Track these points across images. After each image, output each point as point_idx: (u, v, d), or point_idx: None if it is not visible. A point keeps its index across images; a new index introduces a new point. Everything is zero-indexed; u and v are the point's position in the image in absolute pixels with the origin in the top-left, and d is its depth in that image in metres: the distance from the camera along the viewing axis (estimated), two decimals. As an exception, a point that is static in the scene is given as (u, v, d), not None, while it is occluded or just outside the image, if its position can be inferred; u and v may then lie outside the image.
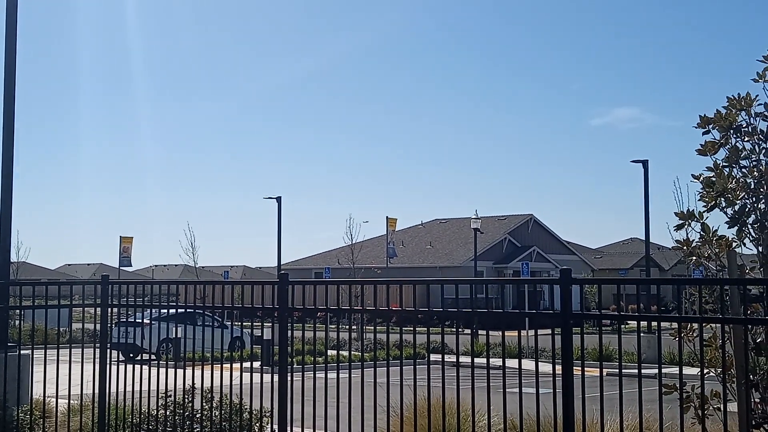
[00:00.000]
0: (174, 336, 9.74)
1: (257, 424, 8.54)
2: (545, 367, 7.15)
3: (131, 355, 10.10)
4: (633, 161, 33.12)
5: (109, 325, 9.58)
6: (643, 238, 33.56)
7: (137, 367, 8.95)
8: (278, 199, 45.06)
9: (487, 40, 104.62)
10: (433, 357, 9.51)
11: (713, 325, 6.46)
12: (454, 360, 7.02)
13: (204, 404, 8.60)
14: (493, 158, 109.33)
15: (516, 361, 6.65)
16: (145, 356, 10.76)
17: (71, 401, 9.55)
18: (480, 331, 24.25)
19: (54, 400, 10.27)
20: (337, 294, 7.55)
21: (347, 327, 8.08)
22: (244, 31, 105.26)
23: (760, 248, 6.77)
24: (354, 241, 40.73)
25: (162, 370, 8.85)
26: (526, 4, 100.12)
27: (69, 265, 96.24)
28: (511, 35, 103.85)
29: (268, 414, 8.27)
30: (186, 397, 8.71)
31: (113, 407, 9.22)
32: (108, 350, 9.33)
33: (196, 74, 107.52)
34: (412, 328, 8.22)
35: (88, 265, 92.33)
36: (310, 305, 7.91)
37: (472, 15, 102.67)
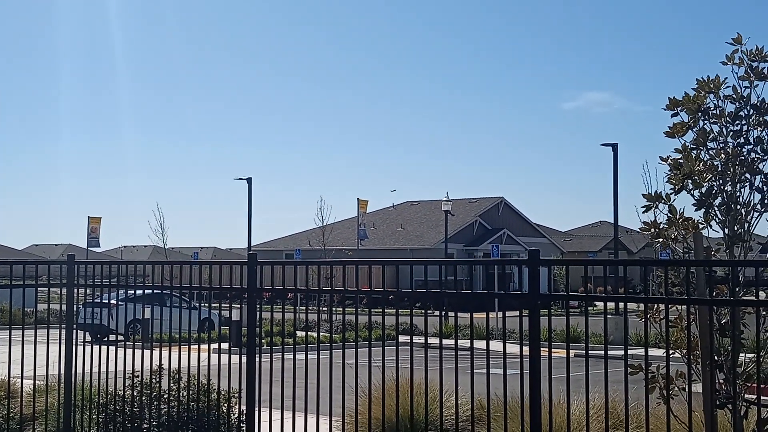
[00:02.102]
0: (142, 317, 9.65)
1: (225, 405, 8.52)
2: (514, 349, 7.19)
3: (98, 336, 10.02)
4: (603, 145, 33.34)
5: (75, 305, 9.49)
6: (612, 221, 33.84)
7: (104, 347, 8.87)
8: (249, 180, 44.85)
9: (460, 24, 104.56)
10: (404, 338, 9.54)
11: (679, 306, 6.52)
12: (424, 341, 7.03)
13: (172, 385, 8.55)
14: (465, 141, 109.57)
15: (485, 342, 6.67)
16: (114, 337, 10.69)
17: (37, 382, 9.46)
18: (450, 313, 24.36)
19: (19, 380, 10.17)
20: (306, 275, 7.53)
21: (322, 308, 8.06)
22: (219, 19, 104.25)
23: (726, 230, 6.83)
24: (325, 223, 40.64)
25: (129, 351, 8.79)
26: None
27: (36, 245, 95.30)
28: (483, 19, 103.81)
29: (236, 395, 8.25)
30: (153, 377, 8.66)
31: (80, 388, 9.15)
32: (74, 330, 9.24)
33: (169, 60, 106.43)
34: (381, 310, 8.22)
35: (56, 245, 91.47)
36: (279, 286, 7.88)
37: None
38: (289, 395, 7.42)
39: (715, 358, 6.29)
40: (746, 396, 6.46)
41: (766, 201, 6.88)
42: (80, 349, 9.08)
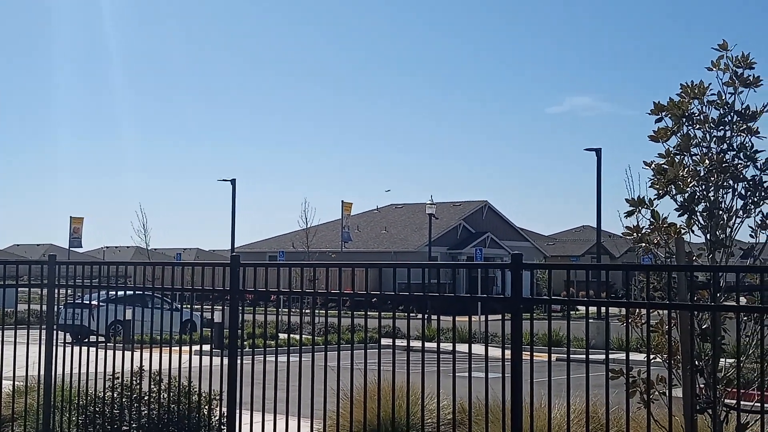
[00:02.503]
0: (123, 318, 9.59)
1: (206, 407, 8.47)
2: (496, 352, 7.19)
3: (79, 336, 9.95)
4: (587, 149, 33.49)
5: (56, 306, 9.43)
6: (596, 226, 33.97)
7: (85, 348, 8.82)
8: (233, 182, 44.77)
9: (445, 26, 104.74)
10: (387, 341, 9.52)
11: (660, 311, 6.54)
12: (406, 344, 7.02)
13: (152, 386, 8.50)
14: (450, 144, 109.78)
15: (467, 345, 6.67)
16: (95, 338, 10.63)
17: (16, 383, 9.39)
18: (433, 316, 24.37)
19: (-2, 381, 10.10)
20: (289, 277, 7.50)
21: (305, 310, 8.03)
22: (199, 15, 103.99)
23: (708, 236, 6.86)
24: (309, 225, 40.58)
25: (110, 352, 8.74)
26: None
27: (18, 245, 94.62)
28: (469, 22, 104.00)
29: (217, 397, 8.21)
30: (134, 379, 8.61)
31: (59, 389, 9.08)
32: (54, 331, 9.18)
33: (153, 61, 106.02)
34: (364, 313, 8.21)
35: (38, 245, 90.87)
36: (262, 288, 7.84)
37: (429, 0, 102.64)
38: (270, 397, 7.39)
39: (696, 363, 6.32)
40: (726, 401, 6.49)
41: (748, 207, 6.92)
42: (60, 350, 9.01)
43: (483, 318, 6.71)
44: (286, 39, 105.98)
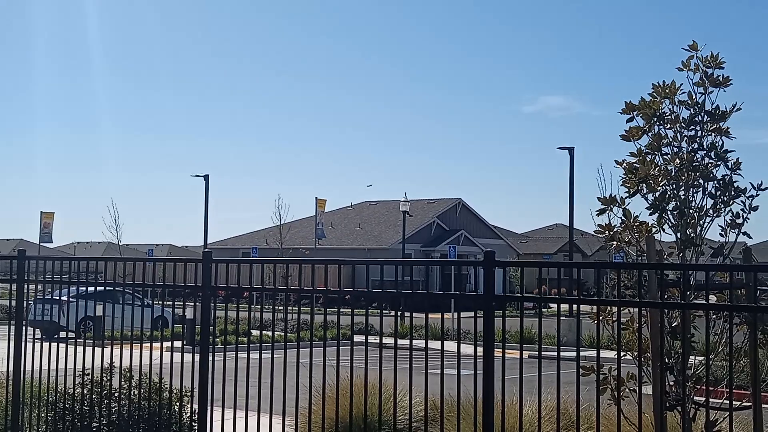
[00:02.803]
0: (94, 314, 9.51)
1: (177, 404, 8.43)
2: (468, 349, 7.21)
3: (50, 333, 9.86)
4: (560, 148, 33.70)
5: (26, 301, 9.33)
6: (568, 224, 34.18)
7: (55, 344, 8.74)
8: (206, 177, 44.55)
9: (421, 25, 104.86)
10: (359, 338, 9.52)
11: (631, 308, 6.58)
12: (379, 342, 7.02)
13: (123, 383, 8.44)
14: (424, 142, 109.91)
15: (440, 342, 6.68)
16: (66, 334, 10.53)
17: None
18: (406, 313, 24.38)
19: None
20: (261, 273, 7.47)
21: (278, 307, 8.00)
22: (177, 10, 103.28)
23: (679, 234, 6.92)
24: (282, 222, 40.53)
25: (80, 348, 8.66)
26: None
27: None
28: (443, 21, 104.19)
29: (188, 394, 8.16)
30: (104, 375, 8.54)
31: (29, 385, 8.99)
32: (24, 327, 9.08)
33: (124, 55, 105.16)
34: (337, 309, 8.19)
35: (8, 240, 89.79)
36: (234, 285, 7.81)
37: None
38: (242, 394, 7.37)
39: (666, 360, 6.37)
40: (695, 398, 6.55)
41: (718, 206, 6.98)
42: (30, 346, 8.92)
43: (456, 315, 6.73)
44: (261, 34, 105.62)
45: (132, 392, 8.36)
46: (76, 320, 13.42)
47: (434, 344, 8.83)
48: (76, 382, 8.59)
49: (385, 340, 7.33)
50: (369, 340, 6.82)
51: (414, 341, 6.69)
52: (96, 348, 8.51)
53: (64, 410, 8.63)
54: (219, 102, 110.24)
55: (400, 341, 7.80)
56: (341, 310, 7.13)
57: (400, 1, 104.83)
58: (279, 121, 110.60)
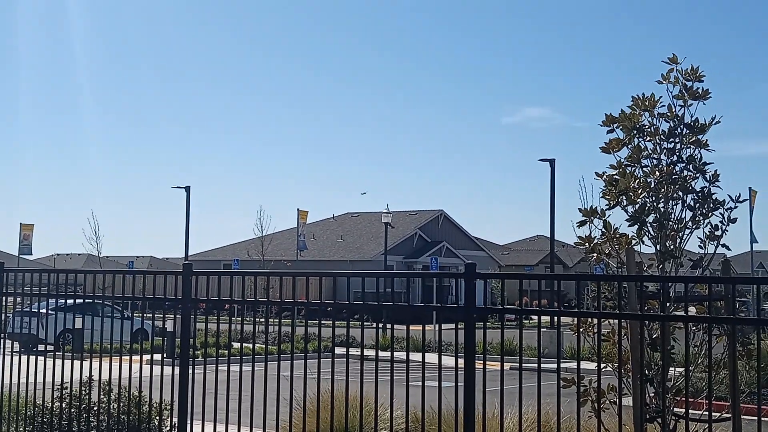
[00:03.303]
0: (73, 326, 9.44)
1: (157, 417, 8.37)
2: (450, 361, 7.21)
3: (29, 346, 9.77)
4: (541, 160, 33.81)
5: (4, 314, 9.25)
6: (549, 236, 34.30)
7: (33, 358, 8.66)
8: (187, 189, 44.38)
9: (400, 35, 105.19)
10: (341, 350, 9.50)
11: (611, 320, 6.60)
12: (360, 354, 7.01)
13: (102, 396, 8.38)
14: (406, 154, 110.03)
15: (421, 354, 6.68)
16: (45, 347, 10.44)
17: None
18: (388, 325, 24.37)
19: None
20: (242, 285, 7.44)
21: (260, 320, 7.97)
22: (159, 18, 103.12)
23: (658, 246, 6.95)
24: (264, 233, 40.41)
25: (60, 362, 8.59)
26: (439, 1, 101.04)
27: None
28: (425, 32, 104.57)
29: (169, 407, 8.11)
30: (83, 389, 8.47)
31: (7, 399, 8.90)
32: (2, 340, 9.00)
33: (108, 62, 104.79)
34: (318, 322, 8.17)
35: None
36: (215, 297, 7.77)
37: (382, 9, 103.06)
38: (222, 407, 7.32)
39: (646, 372, 6.39)
40: (675, 410, 6.57)
41: (697, 218, 7.03)
42: (8, 359, 8.84)
43: (437, 327, 6.72)
44: (241, 47, 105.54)
45: (111, 406, 8.29)
46: (55, 333, 13.31)
47: (416, 356, 8.81)
48: (55, 396, 8.52)
49: (366, 352, 7.31)
50: (350, 352, 6.80)
51: (395, 353, 6.68)
52: (75, 361, 8.43)
53: (43, 425, 8.55)
54: (201, 113, 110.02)
55: (381, 353, 7.79)
56: (323, 322, 7.11)
57: (380, 14, 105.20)
58: (261, 132, 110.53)
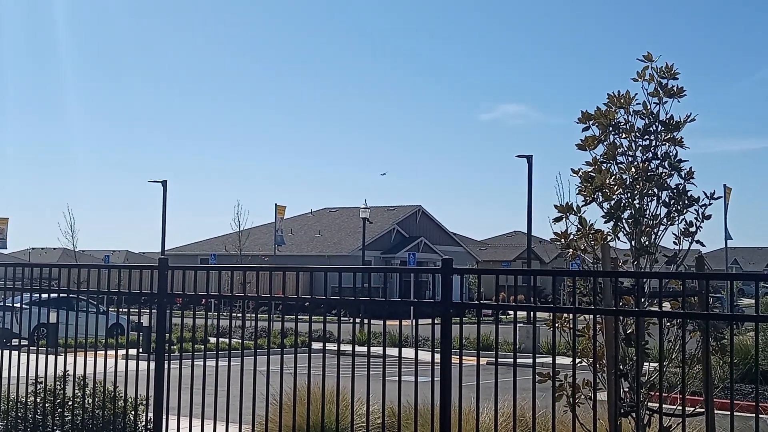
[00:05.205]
0: (48, 321, 9.37)
1: (132, 412, 8.32)
2: (426, 356, 7.22)
3: (4, 340, 9.68)
4: (518, 156, 33.88)
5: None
6: (527, 231, 34.40)
7: (7, 352, 8.59)
8: (164, 183, 44.12)
9: (378, 33, 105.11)
10: (318, 345, 9.49)
11: (586, 315, 6.64)
12: (337, 348, 7.01)
13: (77, 391, 8.32)
14: (384, 149, 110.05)
15: (398, 349, 6.69)
16: (19, 342, 10.36)
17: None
18: (365, 320, 24.38)
19: None
20: (219, 280, 7.42)
21: (237, 315, 7.95)
22: (139, 13, 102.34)
23: (633, 242, 7.00)
24: (242, 228, 40.25)
25: (34, 356, 8.53)
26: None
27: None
28: (401, 29, 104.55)
29: (144, 402, 8.07)
30: (58, 383, 8.41)
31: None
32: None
33: (86, 58, 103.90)
34: (295, 317, 8.16)
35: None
36: (191, 292, 7.74)
37: (359, 7, 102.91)
38: (198, 402, 7.30)
39: (620, 367, 6.44)
40: (649, 404, 6.63)
41: (672, 215, 7.08)
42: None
43: (414, 322, 6.74)
44: (216, 45, 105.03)
45: (86, 401, 8.25)
46: (30, 328, 13.21)
47: (393, 351, 8.83)
48: (29, 391, 8.45)
49: (343, 348, 7.31)
50: (327, 347, 6.80)
51: (372, 348, 6.70)
52: (50, 356, 8.38)
53: (17, 419, 8.49)
54: (177, 107, 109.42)
55: (358, 348, 7.79)
56: (300, 317, 7.11)
57: (356, 13, 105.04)
58: (238, 127, 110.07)
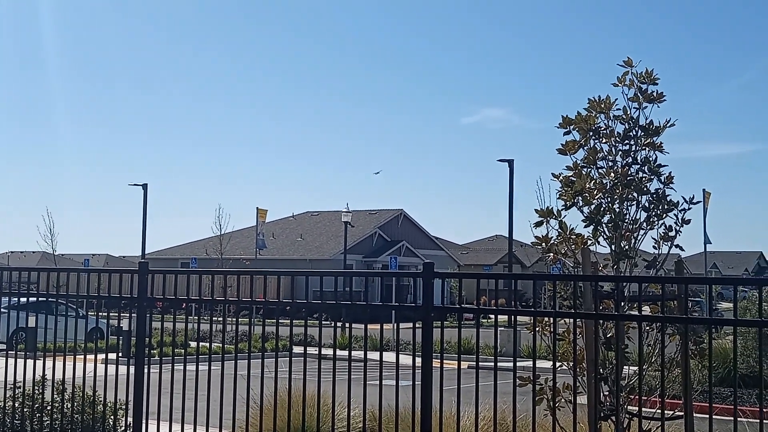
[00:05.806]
0: (26, 325, 9.31)
1: (111, 417, 8.27)
2: (408, 360, 7.22)
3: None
4: (499, 160, 33.99)
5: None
6: (508, 236, 34.50)
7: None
8: (144, 186, 43.91)
9: (360, 37, 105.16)
10: (299, 349, 9.46)
11: (567, 319, 6.67)
12: (318, 353, 6.99)
13: (56, 396, 8.26)
14: (365, 153, 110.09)
15: (379, 353, 6.69)
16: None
17: None
18: (346, 324, 24.35)
19: None
20: (199, 284, 7.39)
21: (219, 318, 7.92)
22: (121, 17, 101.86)
23: (613, 247, 7.03)
24: (223, 232, 40.12)
25: (12, 360, 8.46)
26: (399, 1, 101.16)
27: None
28: (384, 33, 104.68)
29: (124, 407, 8.02)
30: (37, 388, 8.35)
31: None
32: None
33: (62, 59, 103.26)
34: (276, 321, 8.14)
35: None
36: (172, 295, 7.70)
37: (344, 9, 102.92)
38: (178, 407, 7.27)
39: (600, 370, 6.47)
40: (629, 408, 6.66)
41: (651, 219, 7.12)
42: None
43: (395, 326, 6.73)
44: (197, 48, 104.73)
45: (65, 405, 8.19)
46: (8, 332, 13.12)
47: (374, 355, 8.83)
48: (7, 395, 8.39)
49: (324, 351, 7.30)
50: (308, 351, 6.79)
51: (354, 352, 6.69)
52: (28, 360, 8.31)
53: (-6, 424, 8.42)
54: (158, 110, 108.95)
55: (339, 352, 7.78)
56: (281, 321, 7.08)
57: (339, 14, 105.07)
58: (219, 131, 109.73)
